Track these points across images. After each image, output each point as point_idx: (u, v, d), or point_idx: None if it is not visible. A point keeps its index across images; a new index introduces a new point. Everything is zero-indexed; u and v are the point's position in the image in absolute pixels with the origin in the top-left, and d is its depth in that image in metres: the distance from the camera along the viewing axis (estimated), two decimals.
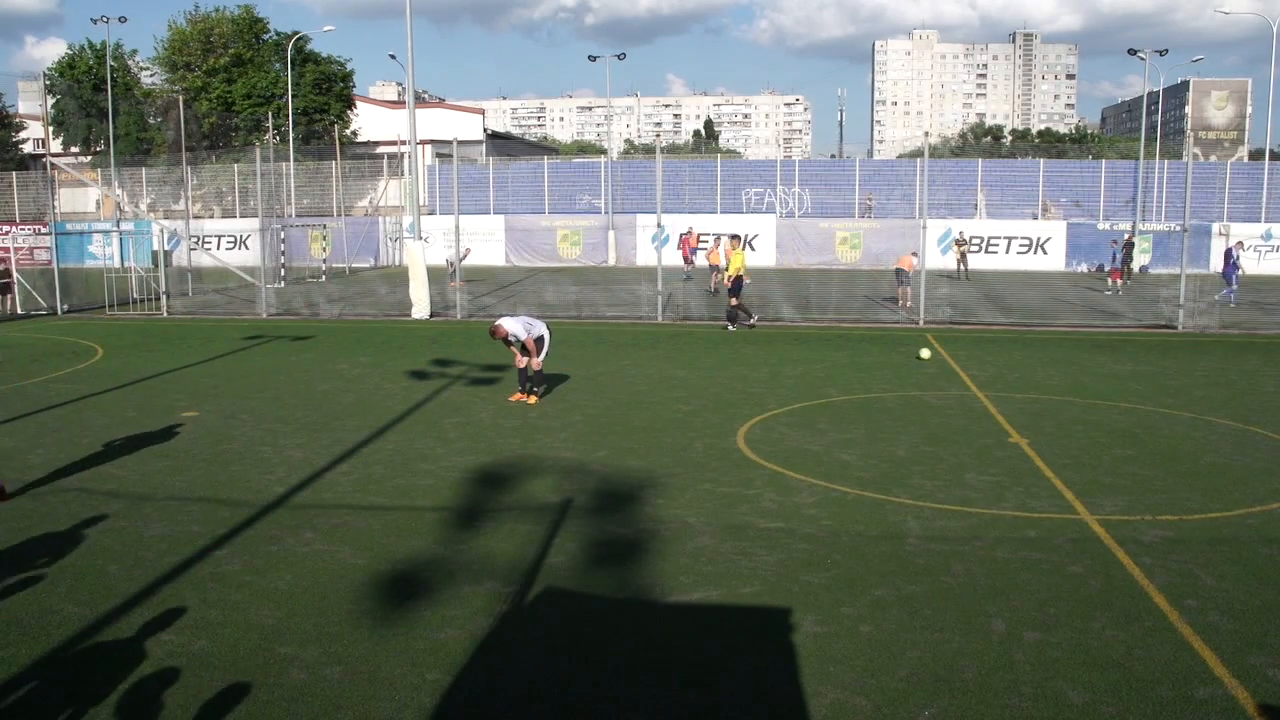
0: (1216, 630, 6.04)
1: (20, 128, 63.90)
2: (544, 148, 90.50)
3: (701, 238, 37.72)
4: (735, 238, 25.19)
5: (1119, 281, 31.05)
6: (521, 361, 13.29)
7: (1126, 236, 33.56)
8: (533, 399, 13.20)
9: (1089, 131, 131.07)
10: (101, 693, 5.27)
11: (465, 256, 29.88)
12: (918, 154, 48.94)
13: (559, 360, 16.17)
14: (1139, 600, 6.51)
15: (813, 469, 9.78)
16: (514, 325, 13.02)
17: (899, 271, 25.42)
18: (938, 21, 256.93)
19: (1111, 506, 8.54)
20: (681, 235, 37.86)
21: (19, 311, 25.45)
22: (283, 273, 33.89)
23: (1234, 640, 5.90)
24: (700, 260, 35.56)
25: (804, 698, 5.26)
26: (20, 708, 5.19)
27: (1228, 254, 26.89)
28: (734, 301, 21.59)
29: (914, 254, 24.55)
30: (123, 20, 51.88)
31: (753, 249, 40.01)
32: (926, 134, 30.05)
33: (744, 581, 6.85)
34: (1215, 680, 5.42)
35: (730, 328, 21.36)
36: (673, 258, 34.36)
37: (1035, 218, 44.66)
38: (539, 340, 13.18)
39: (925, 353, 16.94)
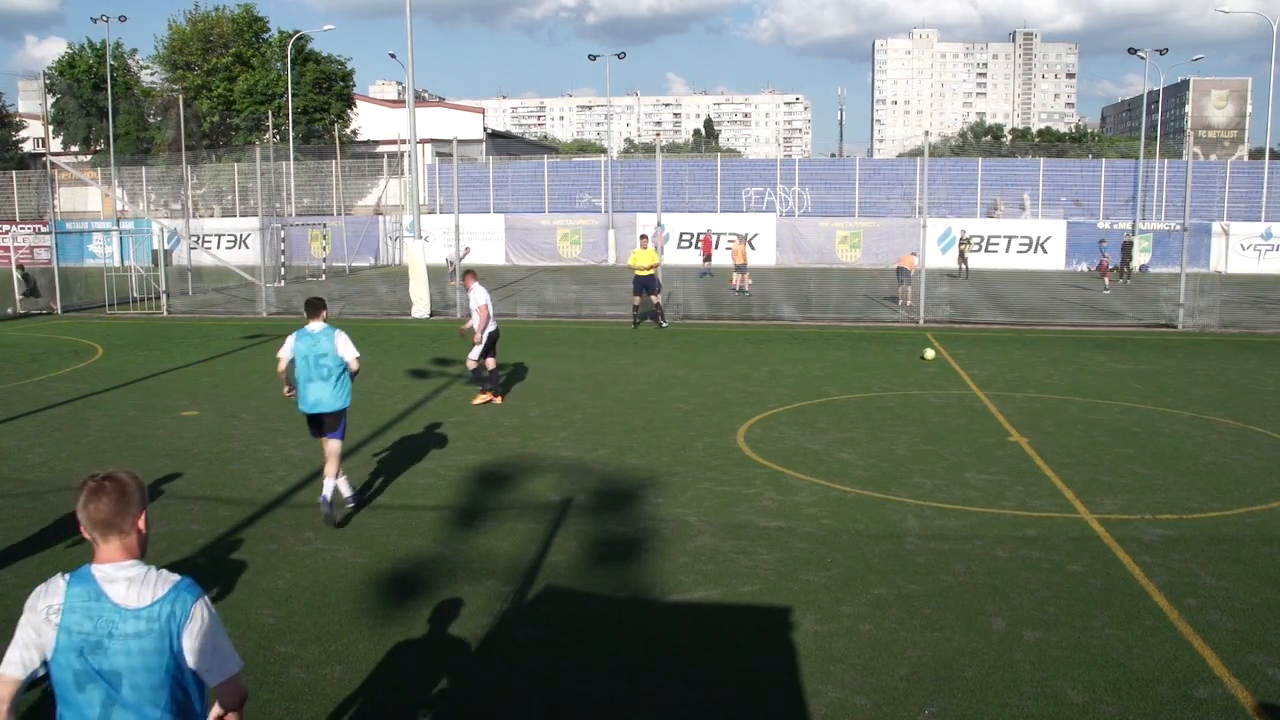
0: (1216, 629, 6.04)
1: (20, 127, 63.86)
2: (544, 147, 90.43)
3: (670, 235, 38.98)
4: (741, 238, 25.27)
5: (1108, 278, 31.18)
6: (472, 363, 13.11)
7: (1126, 235, 33.63)
8: (499, 398, 13.10)
9: (1089, 130, 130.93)
10: None
11: (465, 255, 29.84)
12: (918, 153, 48.88)
13: (559, 359, 16.18)
14: (1139, 599, 6.51)
15: (813, 468, 9.78)
16: (484, 294, 12.94)
17: (900, 270, 25.41)
18: (938, 20, 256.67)
19: (1111, 506, 8.54)
20: (701, 236, 39.36)
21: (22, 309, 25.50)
22: (283, 272, 33.88)
23: (1234, 639, 5.90)
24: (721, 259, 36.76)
25: (804, 697, 5.26)
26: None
27: None
28: (637, 300, 21.65)
29: (913, 253, 24.57)
30: (123, 19, 51.83)
31: (753, 248, 40.08)
32: (926, 133, 30.00)
33: (744, 580, 6.85)
34: (1215, 679, 5.42)
35: (663, 324, 21.53)
36: (692, 257, 35.23)
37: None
38: (489, 320, 12.91)
39: (929, 353, 16.97)
